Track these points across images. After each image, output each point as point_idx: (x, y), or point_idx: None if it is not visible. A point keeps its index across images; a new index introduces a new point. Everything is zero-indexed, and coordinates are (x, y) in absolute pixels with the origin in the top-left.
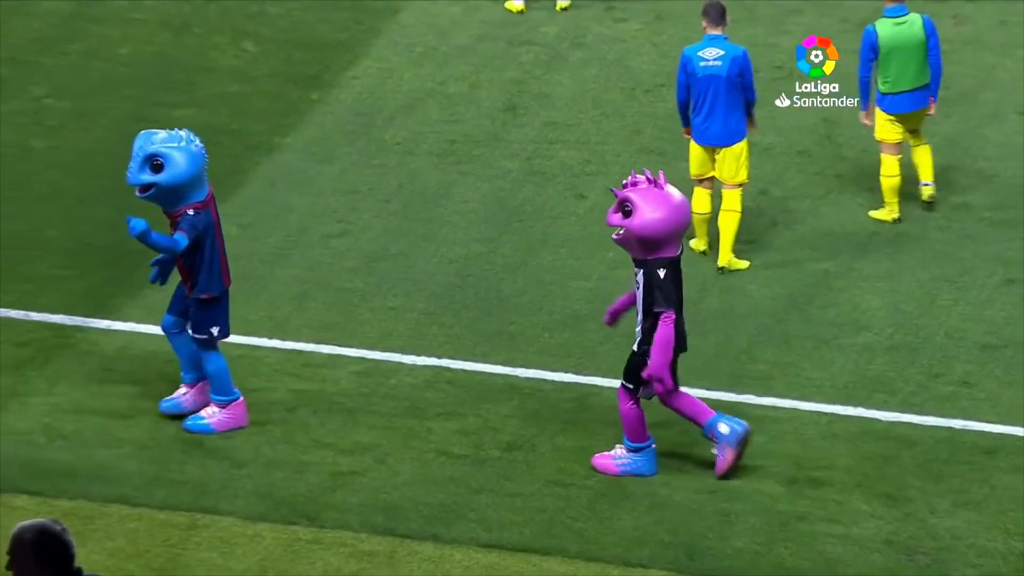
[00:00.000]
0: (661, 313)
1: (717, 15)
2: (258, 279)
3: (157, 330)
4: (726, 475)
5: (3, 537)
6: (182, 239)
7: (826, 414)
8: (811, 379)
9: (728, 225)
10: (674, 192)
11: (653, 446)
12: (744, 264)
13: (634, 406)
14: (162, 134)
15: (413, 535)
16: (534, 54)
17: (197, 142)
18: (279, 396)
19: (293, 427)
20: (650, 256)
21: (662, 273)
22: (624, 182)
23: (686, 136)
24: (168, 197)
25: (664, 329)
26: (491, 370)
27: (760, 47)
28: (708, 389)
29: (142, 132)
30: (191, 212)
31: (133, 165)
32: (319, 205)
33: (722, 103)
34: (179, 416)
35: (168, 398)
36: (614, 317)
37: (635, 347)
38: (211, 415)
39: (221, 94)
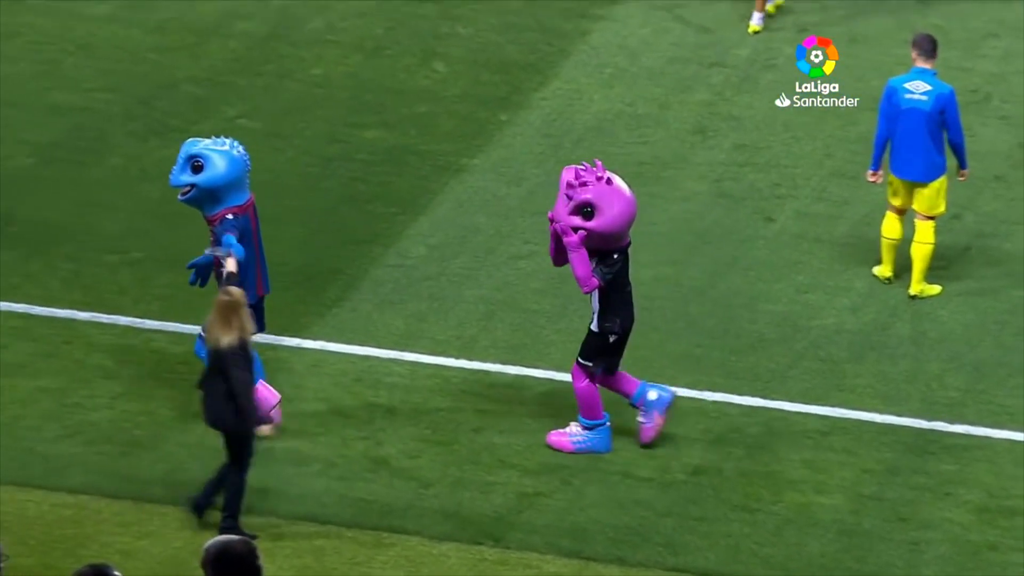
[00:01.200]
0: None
1: (929, 48)
2: (446, 299)
3: (347, 348)
4: (651, 442)
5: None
6: (230, 239)
7: (1019, 442)
8: (1004, 406)
9: (921, 256)
10: (623, 186)
11: (608, 424)
12: (936, 289)
13: (589, 384)
14: (206, 140)
15: (599, 558)
16: (725, 76)
17: (240, 148)
18: (466, 416)
19: (479, 447)
20: (605, 248)
21: (616, 255)
22: (571, 180)
23: (871, 180)
24: (207, 199)
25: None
26: (678, 392)
27: (954, 71)
28: (898, 415)
29: (191, 140)
30: (230, 216)
31: (175, 168)
32: (507, 226)
33: (924, 138)
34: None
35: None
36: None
37: (593, 326)
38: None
39: (410, 115)
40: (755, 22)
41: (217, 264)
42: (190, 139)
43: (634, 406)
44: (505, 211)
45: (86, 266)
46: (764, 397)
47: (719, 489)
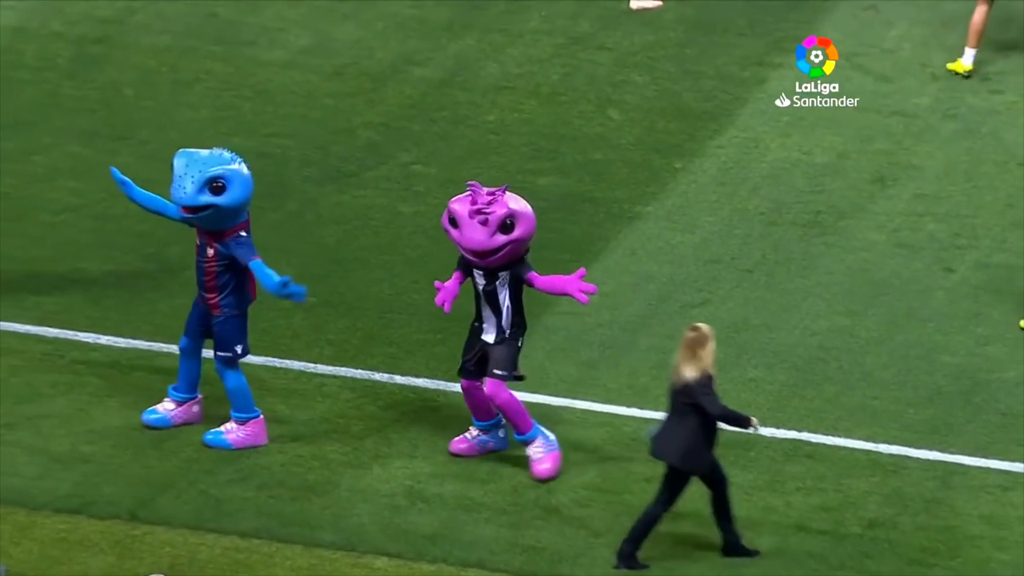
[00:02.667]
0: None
1: None
2: (618, 347)
3: (518, 395)
4: (551, 478)
5: None
6: (259, 265)
7: None
8: None
9: None
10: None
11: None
12: None
13: (511, 395)
14: (206, 154)
15: None
16: (904, 125)
17: (243, 163)
18: (637, 466)
19: (650, 497)
20: (517, 260)
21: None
22: (474, 206)
23: None
24: (220, 219)
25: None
26: (853, 445)
27: None
28: None
29: (183, 151)
30: (244, 234)
31: (186, 185)
32: (680, 274)
33: None
34: (163, 429)
35: (153, 409)
36: (449, 298)
37: (494, 338)
38: (230, 431)
39: (585, 161)
40: (966, 61)
41: (209, 277)
42: (185, 152)
43: (525, 442)
44: (678, 259)
45: (260, 310)
46: (942, 450)
47: (895, 543)
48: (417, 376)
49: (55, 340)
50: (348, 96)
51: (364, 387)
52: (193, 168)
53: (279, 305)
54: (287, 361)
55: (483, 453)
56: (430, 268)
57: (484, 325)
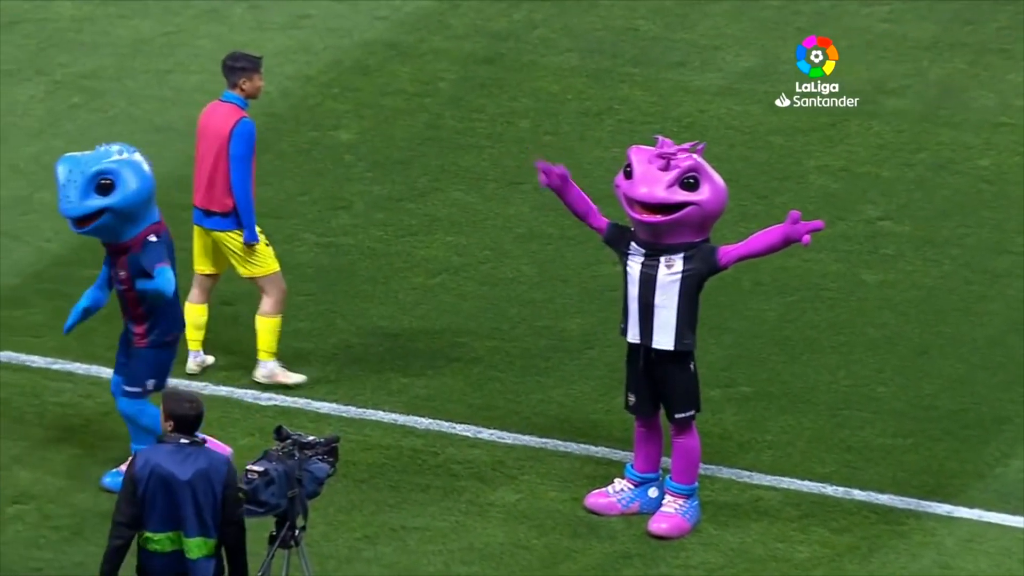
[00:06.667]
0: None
1: None
2: None
3: (1012, 520)
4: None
5: None
6: (164, 272)
7: None
8: None
9: None
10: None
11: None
12: None
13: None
14: (90, 153)
15: None
16: None
17: (138, 153)
18: None
19: None
20: (699, 238)
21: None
22: (658, 151)
23: None
24: (121, 223)
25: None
26: None
27: None
28: None
29: (66, 157)
30: (153, 237)
31: (71, 194)
32: None
33: None
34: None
35: (116, 471)
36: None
37: (671, 347)
38: None
39: None
40: None
41: (130, 301)
42: (66, 155)
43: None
44: None
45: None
46: None
47: None
48: (880, 491)
49: (427, 433)
50: (799, 133)
51: (811, 503)
52: (75, 172)
53: (707, 397)
54: (710, 467)
55: (623, 513)
56: (900, 353)
57: (628, 327)
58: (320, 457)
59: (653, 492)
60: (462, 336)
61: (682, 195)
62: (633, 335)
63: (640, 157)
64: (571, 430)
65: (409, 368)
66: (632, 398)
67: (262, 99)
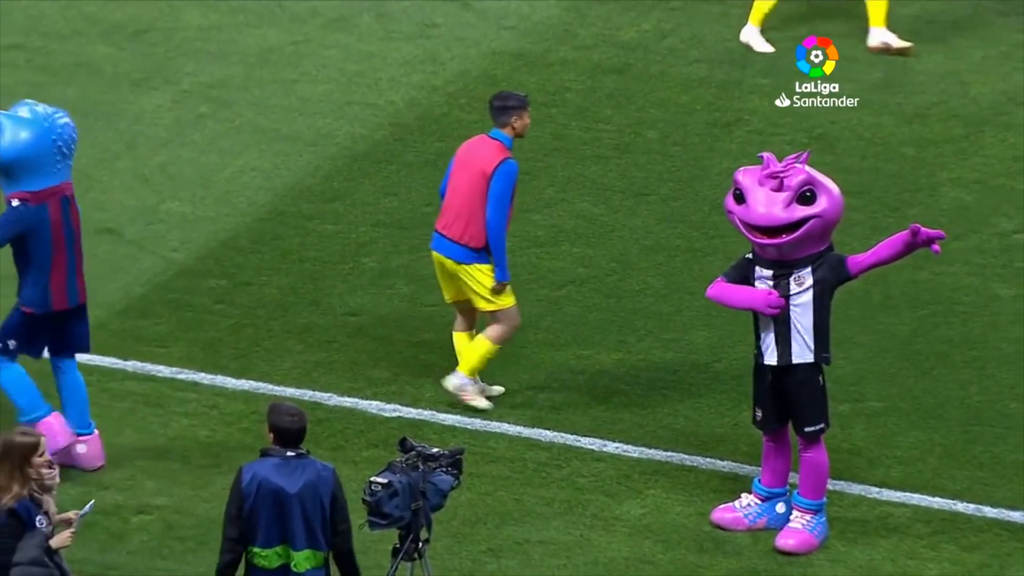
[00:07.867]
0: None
1: None
2: None
3: None
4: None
5: None
6: None
7: None
8: None
9: None
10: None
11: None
12: None
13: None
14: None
15: None
16: None
17: (60, 118)
18: None
19: None
20: (823, 246)
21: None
22: (754, 175)
23: None
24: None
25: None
26: None
27: None
28: None
29: None
30: (15, 202)
31: None
32: None
33: None
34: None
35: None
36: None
37: (806, 359)
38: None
39: None
40: None
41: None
42: None
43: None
44: None
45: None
46: None
47: None
48: (1013, 508)
49: (551, 446)
50: (932, 144)
51: (942, 520)
52: None
53: (836, 412)
54: (839, 483)
55: (750, 529)
56: None
57: (765, 354)
58: (444, 469)
59: (781, 507)
60: (587, 348)
61: (801, 211)
62: (771, 358)
63: (749, 180)
64: (697, 444)
65: (533, 380)
66: (759, 413)
67: (387, 108)
